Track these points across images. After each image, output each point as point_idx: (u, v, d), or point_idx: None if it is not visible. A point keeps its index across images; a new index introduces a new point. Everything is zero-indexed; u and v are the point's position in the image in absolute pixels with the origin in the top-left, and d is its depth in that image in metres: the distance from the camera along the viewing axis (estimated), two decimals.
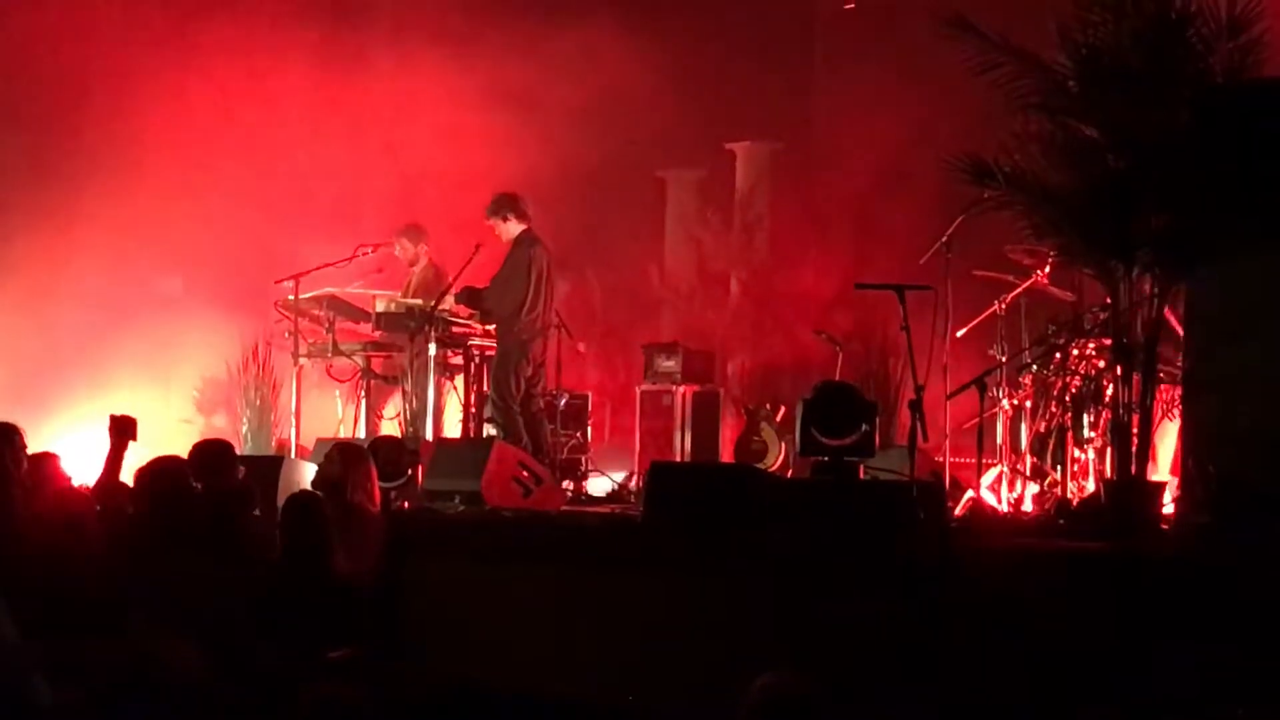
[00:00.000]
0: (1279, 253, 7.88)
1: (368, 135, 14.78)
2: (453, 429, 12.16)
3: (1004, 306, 10.56)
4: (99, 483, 7.77)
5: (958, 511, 9.40)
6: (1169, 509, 8.49)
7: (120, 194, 13.54)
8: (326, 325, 12.25)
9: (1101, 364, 9.56)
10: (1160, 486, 8.56)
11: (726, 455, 13.54)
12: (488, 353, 11.97)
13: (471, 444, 11.35)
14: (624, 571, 8.20)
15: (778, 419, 13.39)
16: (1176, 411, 9.04)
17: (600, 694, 7.82)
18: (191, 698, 4.45)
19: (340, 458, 8.18)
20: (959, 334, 10.53)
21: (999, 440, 10.28)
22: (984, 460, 9.86)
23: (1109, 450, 9.04)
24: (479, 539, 9.11)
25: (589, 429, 13.25)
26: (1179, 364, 8.90)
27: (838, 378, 11.98)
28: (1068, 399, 9.90)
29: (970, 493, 9.76)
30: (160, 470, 7.45)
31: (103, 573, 6.78)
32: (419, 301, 11.96)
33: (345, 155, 14.39)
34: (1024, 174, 8.58)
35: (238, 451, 8.77)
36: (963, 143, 8.81)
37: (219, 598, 6.67)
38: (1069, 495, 9.57)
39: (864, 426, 9.02)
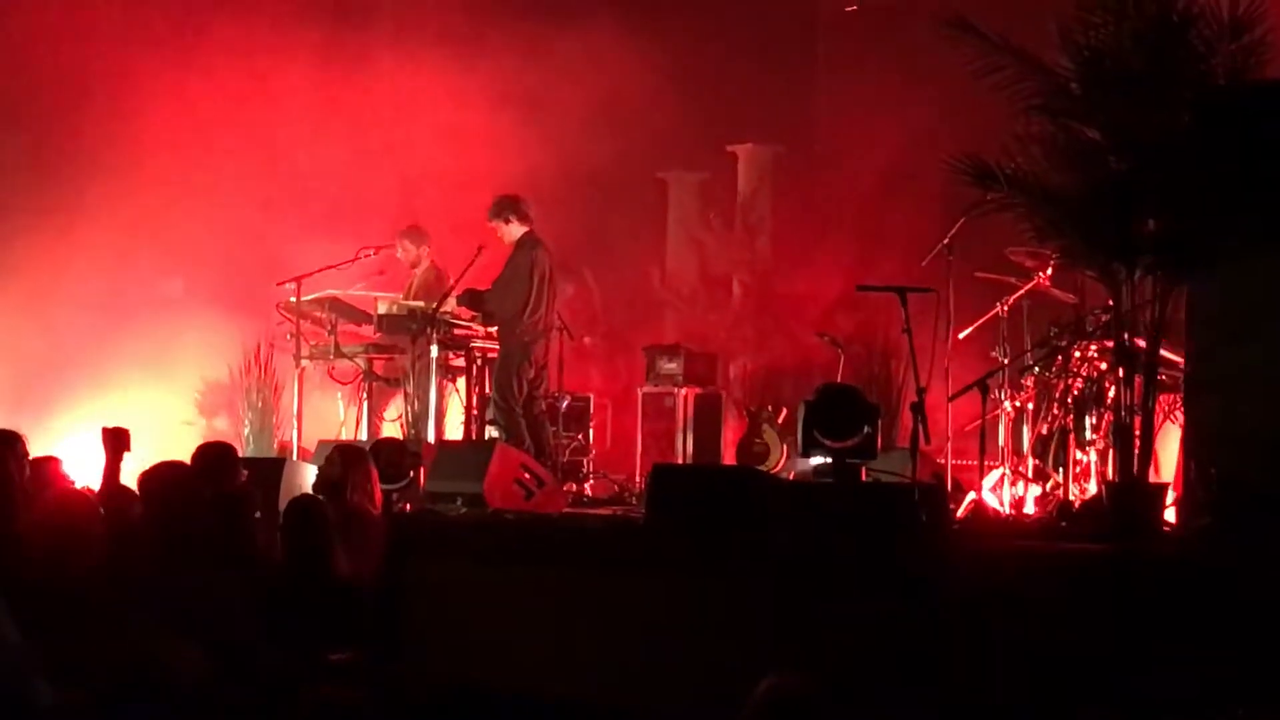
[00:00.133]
0: None
1: (369, 136, 14.78)
2: (455, 431, 12.17)
3: (1006, 308, 10.56)
4: (101, 493, 7.76)
5: (959, 513, 9.39)
6: (1171, 511, 8.49)
7: (121, 195, 13.54)
8: (328, 327, 12.26)
9: (1103, 366, 9.57)
10: (1162, 489, 8.56)
11: (728, 457, 13.55)
12: (490, 355, 11.98)
13: (473, 446, 11.35)
14: (626, 573, 8.19)
15: (779, 421, 13.39)
16: (1178, 414, 9.04)
17: (601, 696, 7.81)
18: (193, 699, 4.45)
19: (340, 459, 8.18)
20: (961, 336, 10.53)
21: (1001, 442, 10.28)
22: (986, 462, 9.87)
23: (1111, 452, 9.04)
24: (481, 541, 9.10)
25: (591, 431, 13.26)
26: (1181, 366, 8.90)
27: (840, 380, 11.98)
28: (1070, 401, 9.90)
29: (972, 495, 9.75)
30: (163, 475, 7.45)
31: (105, 575, 6.77)
32: (421, 304, 11.97)
33: (346, 156, 14.39)
34: (1026, 176, 8.57)
35: (239, 454, 8.77)
36: (964, 144, 8.80)
37: (220, 600, 6.66)
38: (1071, 497, 9.56)
39: (866, 429, 9.02)
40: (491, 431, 11.72)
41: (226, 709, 4.87)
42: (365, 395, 12.43)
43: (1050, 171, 8.54)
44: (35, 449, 7.91)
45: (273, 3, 14.15)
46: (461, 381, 12.19)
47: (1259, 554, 6.98)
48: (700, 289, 16.43)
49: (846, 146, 15.26)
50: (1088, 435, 9.72)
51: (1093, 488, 9.52)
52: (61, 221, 13.67)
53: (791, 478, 11.27)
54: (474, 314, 11.82)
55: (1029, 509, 9.95)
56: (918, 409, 8.70)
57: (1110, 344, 9.09)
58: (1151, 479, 8.48)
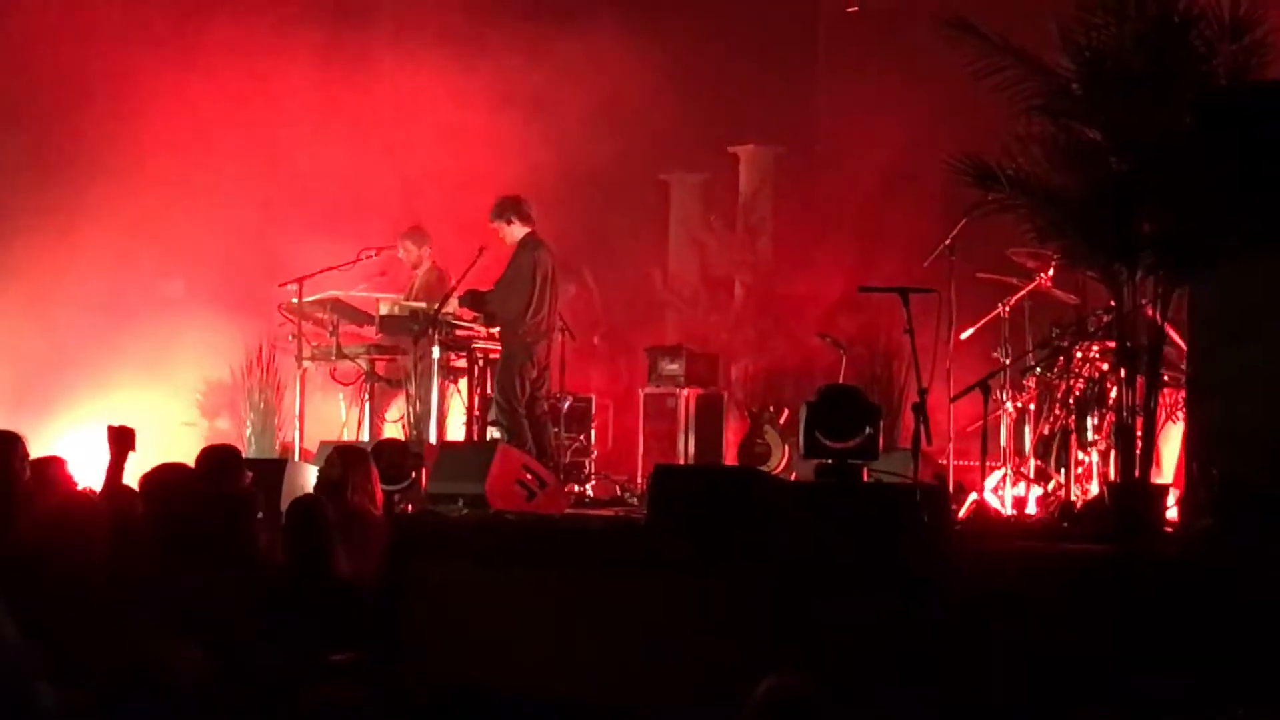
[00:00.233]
0: None
1: (370, 137, 14.78)
2: (456, 432, 12.17)
3: (1008, 309, 10.56)
4: (103, 493, 7.76)
5: (961, 514, 9.39)
6: (1172, 512, 8.49)
7: (122, 195, 13.54)
8: (330, 328, 12.26)
9: (1105, 366, 9.57)
10: (1164, 489, 8.56)
11: (730, 458, 13.54)
12: (491, 356, 11.98)
13: (475, 447, 11.35)
14: (627, 574, 8.19)
15: (781, 422, 13.39)
16: (1180, 414, 9.04)
17: (602, 696, 7.81)
18: (193, 699, 4.46)
19: (340, 461, 8.18)
20: (963, 337, 10.52)
21: (1003, 443, 10.28)
22: (987, 463, 9.86)
23: (1112, 453, 9.04)
24: (482, 542, 9.10)
25: (592, 432, 13.26)
26: (1182, 367, 8.90)
27: (841, 380, 11.98)
28: (1071, 402, 9.90)
29: (974, 495, 9.75)
30: (164, 476, 7.45)
31: (106, 576, 6.77)
32: (422, 305, 11.96)
33: (348, 157, 14.38)
34: (1027, 176, 8.57)
35: (241, 455, 8.77)
36: (966, 145, 8.80)
37: (222, 601, 6.66)
38: (1072, 498, 9.56)
39: (868, 429, 9.02)
40: (493, 432, 11.71)
41: (227, 709, 4.87)
42: (367, 396, 12.42)
43: (1051, 172, 8.55)
44: (36, 449, 7.91)
45: (274, 4, 14.15)
46: (463, 383, 12.19)
47: (1260, 554, 6.98)
48: (702, 290, 16.43)
49: (848, 147, 15.25)
50: (1089, 436, 9.71)
51: (1094, 488, 9.51)
52: (62, 222, 13.67)
53: (794, 479, 11.28)
54: (475, 315, 11.82)
55: (1031, 510, 9.95)
56: (919, 410, 8.70)
57: (1112, 344, 9.09)
58: (1153, 479, 8.48)
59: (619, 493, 12.56)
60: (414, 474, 9.81)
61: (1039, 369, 10.27)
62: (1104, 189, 8.31)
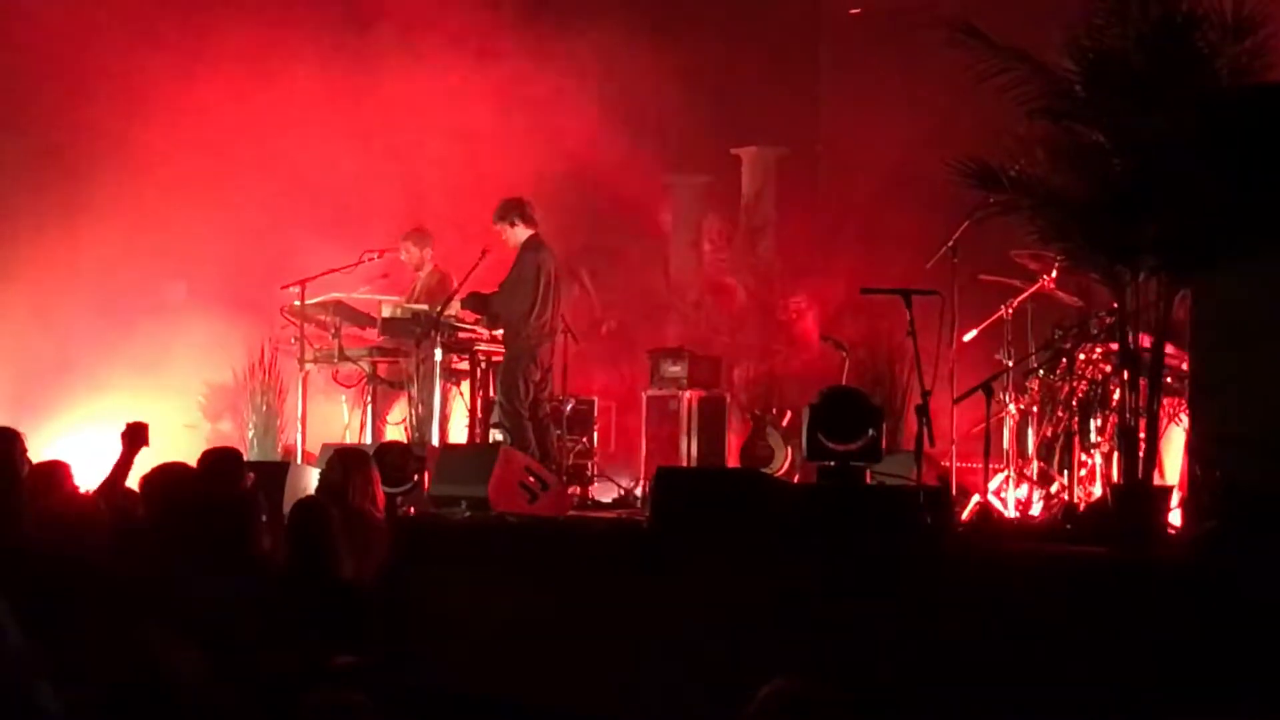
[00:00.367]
0: None
1: (374, 139, 14.77)
2: (459, 434, 12.17)
3: (1010, 311, 10.56)
4: (102, 487, 7.77)
5: (964, 516, 9.39)
6: (1175, 514, 8.48)
7: (126, 198, 13.55)
8: (332, 330, 12.26)
9: (1108, 369, 9.56)
10: (1167, 491, 8.55)
11: (732, 460, 13.54)
12: (493, 358, 11.98)
13: (478, 449, 11.35)
14: (630, 576, 8.20)
15: (784, 424, 13.38)
16: (1183, 416, 9.03)
17: (604, 698, 7.81)
18: (194, 702, 4.44)
19: (342, 463, 8.18)
20: (965, 339, 10.52)
21: (1005, 445, 10.27)
22: (990, 465, 9.85)
23: (1115, 455, 9.03)
24: (485, 544, 9.10)
25: (595, 434, 13.25)
26: (1185, 369, 8.89)
27: (844, 383, 11.98)
28: (1074, 404, 9.89)
29: (977, 497, 9.75)
30: (167, 477, 7.45)
31: (109, 578, 6.77)
32: (424, 307, 11.96)
33: (350, 159, 14.38)
34: (1030, 178, 8.57)
35: (243, 457, 8.77)
36: (968, 147, 8.80)
37: (224, 603, 6.66)
38: (1075, 500, 9.56)
39: (870, 431, 9.02)
40: (495, 435, 11.71)
41: (227, 712, 4.86)
42: (369, 399, 12.42)
43: (1054, 174, 8.55)
44: (38, 451, 7.91)
45: (280, 6, 14.15)
46: (465, 384, 12.19)
47: (1263, 556, 6.97)
48: (704, 292, 16.43)
49: (850, 149, 15.26)
50: (1092, 438, 9.71)
51: (1097, 490, 9.51)
52: (65, 223, 13.70)
53: (797, 481, 11.27)
54: (478, 317, 11.81)
55: (1034, 512, 9.95)
56: (922, 412, 8.70)
57: (1115, 346, 9.08)
58: (1156, 482, 8.47)
59: (621, 495, 12.55)
60: (416, 476, 9.81)
61: (1041, 371, 10.27)
62: (1107, 191, 8.31)
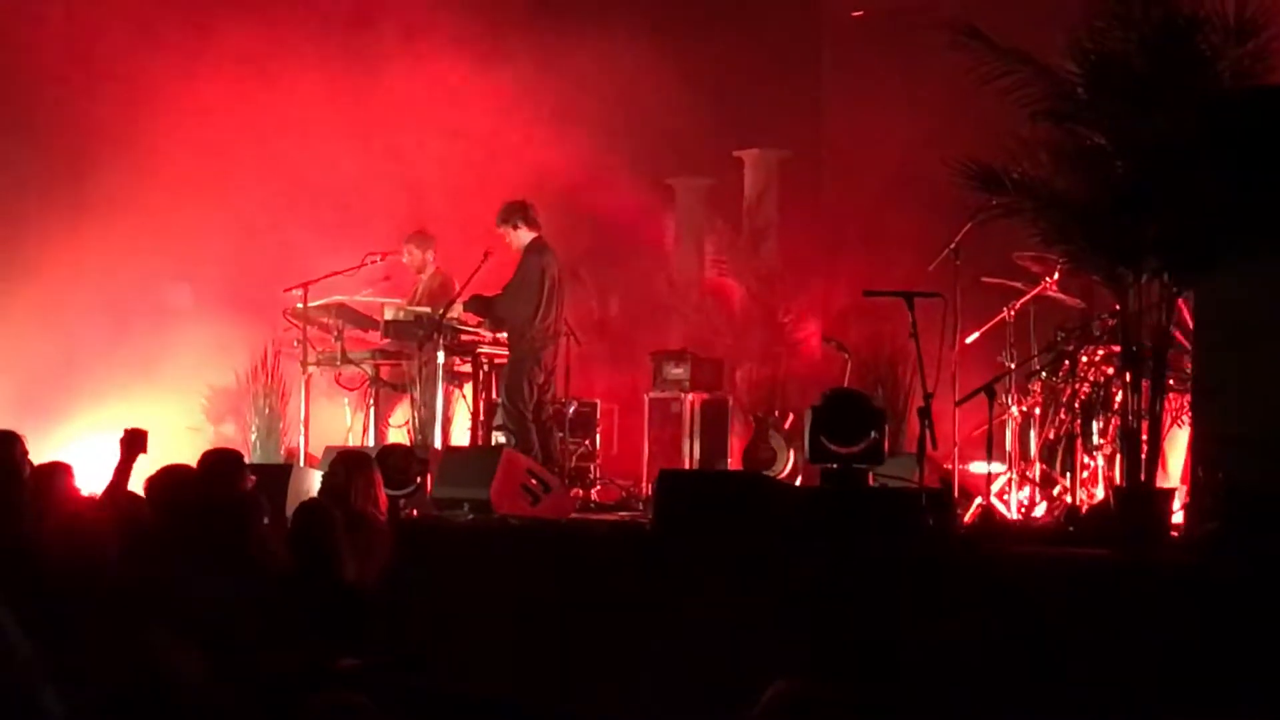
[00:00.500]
0: None
1: (377, 141, 14.78)
2: (461, 437, 12.17)
3: (1013, 313, 10.57)
4: (107, 491, 7.77)
5: (967, 518, 9.39)
6: (1178, 516, 8.48)
7: (129, 200, 13.55)
8: (335, 333, 12.26)
9: (1110, 371, 9.56)
10: (1169, 494, 8.54)
11: (735, 463, 13.54)
12: (496, 360, 11.99)
13: (480, 452, 11.35)
14: (632, 579, 8.19)
15: (786, 426, 13.38)
16: (1185, 418, 9.02)
17: (606, 701, 7.81)
18: (198, 706, 4.44)
19: (345, 466, 8.18)
20: (968, 341, 10.52)
21: (1008, 447, 10.27)
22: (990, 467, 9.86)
23: (1118, 457, 9.03)
24: (487, 547, 9.10)
25: (597, 436, 13.25)
26: (1188, 371, 8.89)
27: (846, 385, 11.98)
28: (1077, 406, 9.89)
29: (979, 500, 9.74)
30: (169, 479, 7.45)
31: (111, 580, 6.77)
32: (427, 309, 11.97)
33: (354, 162, 14.39)
34: (1032, 181, 8.57)
35: (246, 460, 8.77)
36: (970, 149, 8.80)
37: (226, 606, 6.66)
38: (1078, 502, 9.55)
39: (873, 434, 9.02)
40: (498, 437, 11.71)
41: (229, 713, 4.86)
42: (372, 401, 12.43)
43: (1056, 176, 8.55)
44: (41, 454, 7.91)
45: (284, 9, 14.16)
46: (468, 387, 12.20)
47: (1266, 559, 6.97)
48: (707, 294, 16.43)
49: (852, 151, 15.26)
50: (1095, 440, 9.72)
51: (1100, 493, 9.51)
52: (70, 226, 13.69)
53: (799, 483, 11.27)
54: (480, 319, 11.82)
55: (1037, 513, 9.94)
56: (925, 414, 8.70)
57: (1117, 348, 9.08)
58: (1159, 484, 8.47)
59: (624, 497, 12.55)
60: (419, 479, 9.83)
61: (1044, 373, 10.26)
62: (1109, 193, 8.31)
